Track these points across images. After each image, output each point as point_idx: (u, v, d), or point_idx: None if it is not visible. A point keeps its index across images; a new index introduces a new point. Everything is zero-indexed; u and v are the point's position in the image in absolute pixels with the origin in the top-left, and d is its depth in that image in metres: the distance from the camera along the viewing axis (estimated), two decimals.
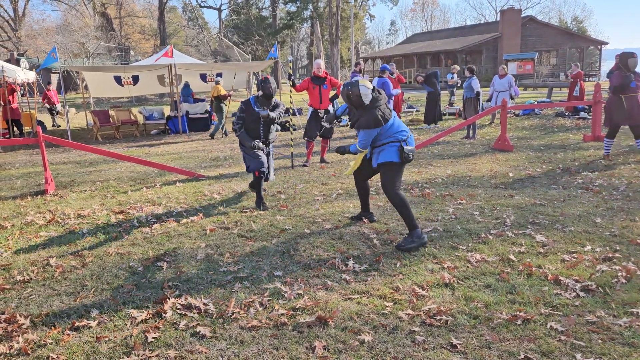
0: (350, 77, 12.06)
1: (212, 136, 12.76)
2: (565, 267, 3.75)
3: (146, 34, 44.72)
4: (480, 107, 11.61)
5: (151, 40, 42.94)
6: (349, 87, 4.40)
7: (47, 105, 16.59)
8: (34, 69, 18.53)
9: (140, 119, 14.78)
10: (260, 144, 5.83)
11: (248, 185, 6.49)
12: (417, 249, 4.20)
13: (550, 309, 3.13)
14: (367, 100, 4.38)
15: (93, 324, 3.11)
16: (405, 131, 4.46)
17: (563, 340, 2.77)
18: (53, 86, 17.10)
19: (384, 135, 4.40)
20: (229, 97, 13.00)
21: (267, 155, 6.04)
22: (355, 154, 4.76)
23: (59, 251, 4.49)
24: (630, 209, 5.15)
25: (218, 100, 12.76)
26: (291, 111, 8.71)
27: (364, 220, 5.08)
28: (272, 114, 5.78)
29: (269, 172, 6.00)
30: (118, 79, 15.78)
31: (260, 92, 5.80)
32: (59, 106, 16.91)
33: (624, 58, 7.54)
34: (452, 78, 16.52)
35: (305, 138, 8.28)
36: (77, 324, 3.11)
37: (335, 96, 8.60)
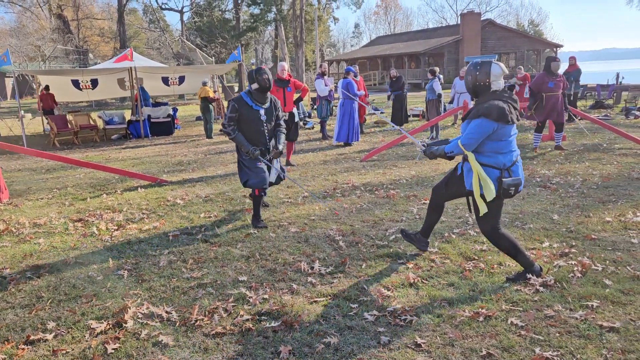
0: (315, 79, 12.08)
1: (210, 137, 13.04)
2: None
3: (105, 36, 43.62)
4: (443, 108, 11.82)
5: (111, 43, 41.92)
6: (477, 66, 3.40)
7: (40, 110, 14.92)
8: None
9: (100, 123, 14.38)
10: (258, 152, 4.87)
11: (250, 196, 5.44)
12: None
13: (510, 305, 3.21)
14: (496, 85, 3.38)
15: (49, 336, 3.00)
16: (514, 155, 3.43)
17: (523, 335, 2.84)
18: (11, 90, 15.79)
19: (490, 147, 3.38)
20: (217, 100, 13.05)
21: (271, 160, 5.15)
22: (450, 157, 3.60)
23: (13, 262, 4.31)
24: (585, 206, 5.34)
25: (205, 101, 12.81)
26: None
27: (414, 244, 4.11)
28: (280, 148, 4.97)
29: (271, 174, 5.21)
30: (76, 83, 15.34)
31: (255, 85, 4.90)
32: (55, 111, 14.98)
33: (548, 62, 8.54)
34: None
35: None
36: (32, 337, 2.99)
37: (300, 99, 8.60)
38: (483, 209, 3.42)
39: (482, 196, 3.41)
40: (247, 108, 4.90)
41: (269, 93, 5.04)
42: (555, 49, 43.37)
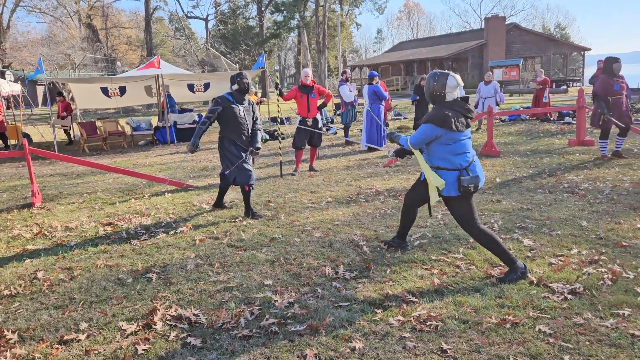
0: (338, 85, 12.13)
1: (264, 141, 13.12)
2: (552, 271, 3.80)
3: (133, 44, 44.63)
4: None
5: (138, 51, 42.88)
6: (436, 77, 3.70)
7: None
8: (19, 81, 18.37)
9: (128, 129, 14.69)
10: (193, 148, 5.63)
11: (213, 205, 6.16)
12: (520, 279, 3.64)
13: (538, 312, 3.17)
14: (450, 96, 3.68)
15: (82, 337, 3.09)
16: (469, 155, 3.72)
17: (551, 343, 2.81)
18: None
19: (441, 150, 3.69)
20: (260, 103, 13.14)
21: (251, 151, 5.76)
22: (403, 148, 4.01)
23: (47, 264, 4.44)
24: (615, 212, 5.23)
25: None
26: (279, 120, 8.74)
27: (393, 247, 4.42)
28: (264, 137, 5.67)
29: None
30: (105, 90, 15.69)
31: (235, 86, 5.59)
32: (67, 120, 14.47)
33: (609, 63, 7.90)
34: None
35: (294, 147, 8.30)
36: (65, 337, 3.08)
37: (324, 105, 8.65)
38: (434, 198, 3.75)
39: (437, 189, 3.72)
40: (228, 104, 5.57)
41: (247, 96, 5.71)
42: (582, 53, 42.56)
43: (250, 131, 5.75)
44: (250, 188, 5.68)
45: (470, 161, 3.70)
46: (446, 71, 3.75)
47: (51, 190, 7.96)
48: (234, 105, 5.59)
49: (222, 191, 6.06)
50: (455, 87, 3.68)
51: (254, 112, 5.83)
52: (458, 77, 3.72)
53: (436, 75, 3.73)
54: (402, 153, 4.11)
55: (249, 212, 5.74)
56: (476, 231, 3.73)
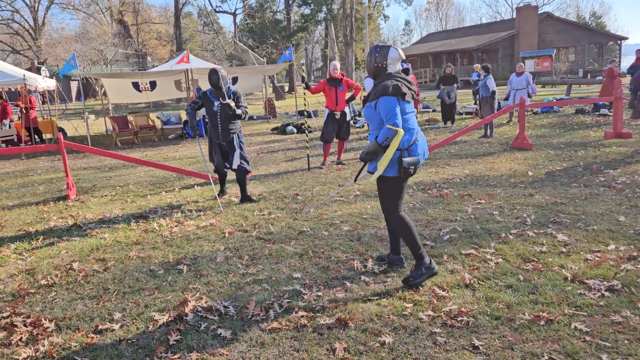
0: (365, 77, 12.03)
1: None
2: (588, 267, 3.68)
3: (162, 40, 45.32)
4: (496, 105, 11.49)
5: (167, 46, 43.50)
6: (378, 49, 3.56)
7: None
8: (54, 77, 18.87)
9: (158, 124, 14.95)
10: (195, 129, 5.85)
11: (241, 200, 6.29)
12: (426, 280, 3.57)
13: (574, 309, 3.08)
14: (392, 68, 3.54)
15: (116, 326, 3.15)
16: (414, 133, 3.52)
17: (588, 341, 2.73)
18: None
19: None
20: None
21: (231, 145, 6.04)
22: (386, 146, 3.42)
23: (82, 255, 4.56)
24: None
25: None
26: (306, 113, 8.74)
27: (389, 262, 3.99)
28: (230, 103, 5.75)
29: (231, 162, 6.11)
30: (136, 85, 15.98)
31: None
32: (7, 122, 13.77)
33: None
34: (479, 76, 16.45)
35: (322, 140, 8.28)
36: (100, 327, 3.16)
37: (352, 98, 8.59)
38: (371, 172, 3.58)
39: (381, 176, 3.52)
40: (206, 99, 5.99)
41: (225, 91, 5.86)
42: (619, 42, 41.09)
43: (223, 127, 5.95)
44: (220, 175, 6.33)
45: (413, 140, 3.51)
46: (389, 44, 3.60)
47: (85, 183, 8.16)
48: (209, 99, 5.96)
49: (241, 183, 6.23)
50: (397, 59, 3.53)
51: (238, 103, 5.96)
52: (400, 50, 3.58)
53: (378, 47, 3.58)
54: (371, 153, 3.53)
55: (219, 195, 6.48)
56: (397, 217, 3.59)
